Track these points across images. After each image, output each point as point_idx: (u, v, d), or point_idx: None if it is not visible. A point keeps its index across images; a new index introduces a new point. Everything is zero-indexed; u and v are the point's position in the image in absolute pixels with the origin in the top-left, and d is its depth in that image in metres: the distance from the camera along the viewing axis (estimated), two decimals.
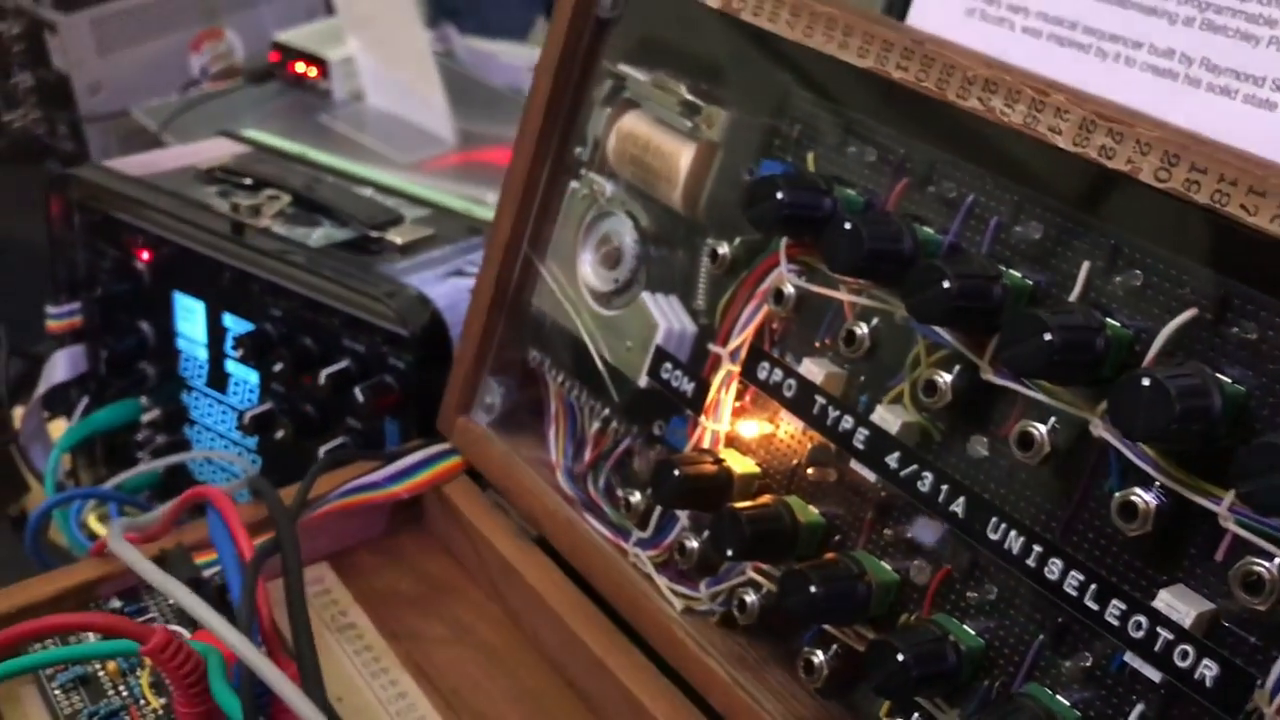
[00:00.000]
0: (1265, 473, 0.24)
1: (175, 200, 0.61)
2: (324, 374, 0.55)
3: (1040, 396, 0.29)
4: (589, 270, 0.43)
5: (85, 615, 0.37)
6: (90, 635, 0.38)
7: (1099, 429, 0.28)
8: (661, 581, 0.40)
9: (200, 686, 0.31)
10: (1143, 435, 0.26)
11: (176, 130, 0.91)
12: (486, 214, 0.60)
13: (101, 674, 0.39)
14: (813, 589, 0.32)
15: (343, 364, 0.56)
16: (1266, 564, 0.26)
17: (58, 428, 0.71)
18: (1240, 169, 0.26)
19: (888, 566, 0.34)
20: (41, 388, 0.69)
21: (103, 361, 0.67)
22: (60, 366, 0.67)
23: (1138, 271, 0.29)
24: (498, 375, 0.47)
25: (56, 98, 1.01)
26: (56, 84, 1.00)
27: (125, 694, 0.38)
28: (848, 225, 0.31)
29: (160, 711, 0.38)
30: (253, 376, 0.61)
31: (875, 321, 0.34)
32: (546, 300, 0.45)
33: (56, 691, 0.38)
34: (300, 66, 0.99)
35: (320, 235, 0.58)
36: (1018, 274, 0.31)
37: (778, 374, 0.36)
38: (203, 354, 0.63)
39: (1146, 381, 0.26)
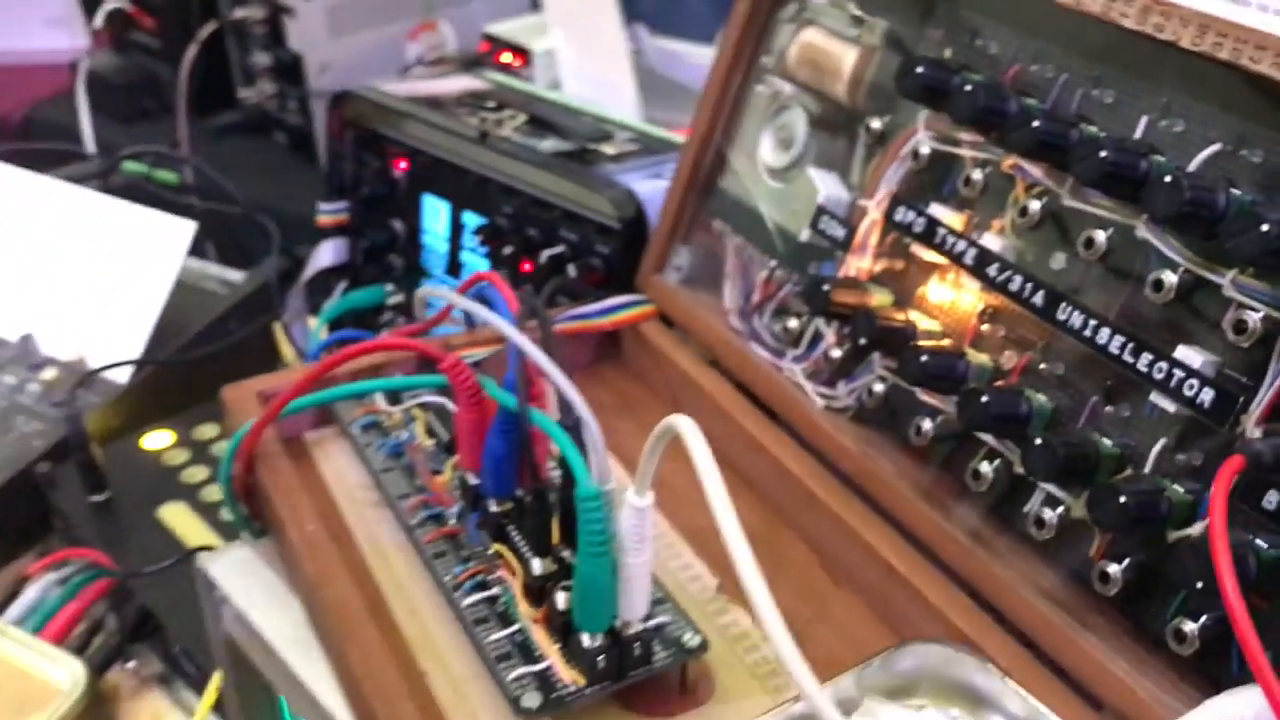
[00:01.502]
0: (1243, 232, 0.34)
1: (431, 117, 0.75)
2: (545, 254, 0.68)
3: (1101, 212, 0.40)
4: (766, 151, 0.55)
5: (392, 339, 0.50)
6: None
7: (1142, 230, 0.39)
8: (808, 386, 0.51)
9: (478, 398, 0.44)
10: (1162, 215, 0.36)
11: None
12: (679, 137, 0.72)
13: (386, 422, 0.52)
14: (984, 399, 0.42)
15: (559, 249, 0.69)
16: (1252, 315, 0.36)
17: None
18: None
19: (984, 356, 0.44)
20: (308, 272, 0.84)
21: (359, 252, 0.82)
22: (326, 253, 0.83)
23: (1182, 120, 0.39)
24: (686, 244, 0.60)
25: (289, 76, 1.11)
26: (290, 63, 1.10)
27: (405, 435, 0.52)
28: (968, 87, 0.43)
29: (430, 447, 0.51)
30: (484, 264, 0.75)
31: (988, 170, 0.45)
32: (730, 180, 0.57)
33: (355, 429, 0.52)
34: (506, 56, 1.09)
35: (548, 146, 0.72)
36: (1094, 128, 0.41)
37: (911, 215, 0.47)
38: (443, 247, 0.78)
39: (1169, 178, 0.36)
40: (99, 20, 1.23)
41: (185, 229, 0.81)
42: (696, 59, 1.28)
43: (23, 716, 0.61)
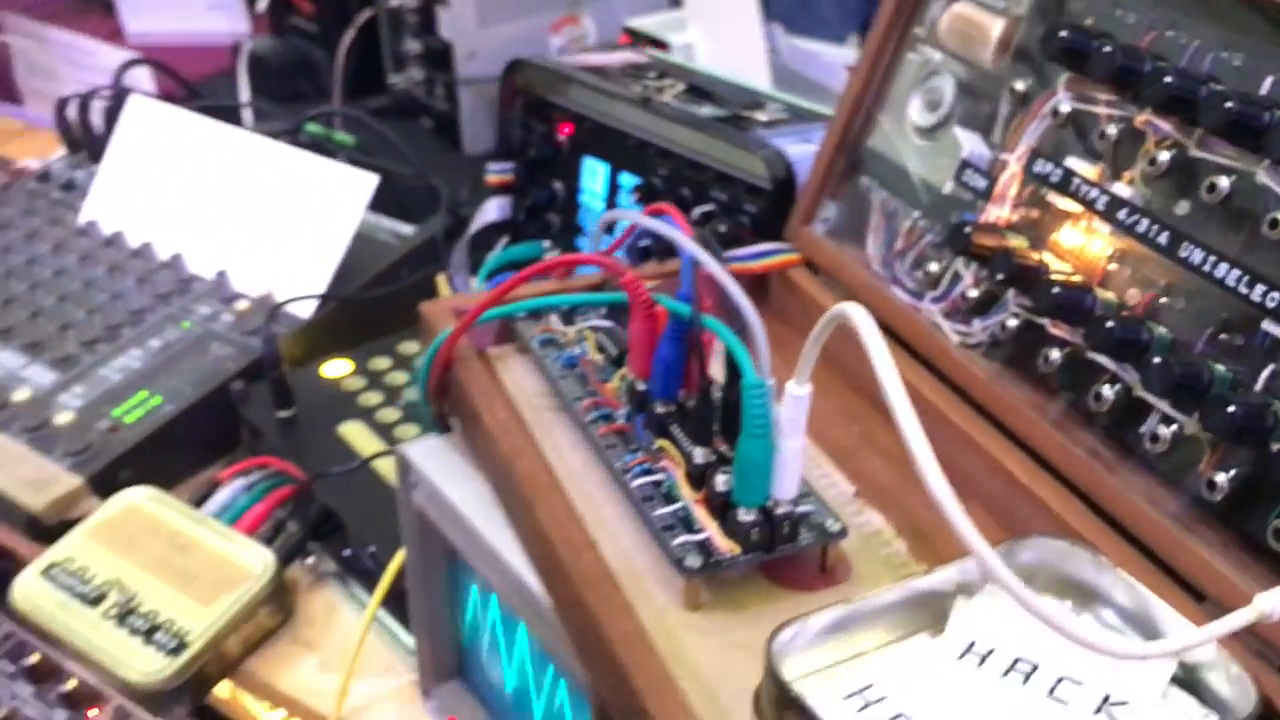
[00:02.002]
0: None
1: (597, 85, 0.82)
2: (696, 211, 0.75)
3: (1225, 160, 0.45)
4: (915, 112, 0.60)
5: (579, 255, 0.56)
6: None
7: (1262, 176, 0.43)
8: (945, 324, 0.56)
9: (651, 310, 0.50)
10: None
11: None
12: (824, 109, 0.78)
13: (561, 340, 0.59)
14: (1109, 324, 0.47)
15: (709, 207, 0.75)
16: None
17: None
18: None
19: (1111, 293, 0.49)
20: (474, 226, 0.92)
21: (521, 210, 0.89)
22: (491, 210, 0.90)
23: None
24: (834, 199, 0.65)
25: (438, 63, 1.16)
26: (440, 51, 1.15)
27: (578, 351, 0.58)
28: (1107, 49, 0.47)
29: (600, 361, 0.57)
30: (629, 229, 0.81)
31: (1121, 125, 0.49)
32: (879, 139, 0.63)
33: (534, 344, 0.59)
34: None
35: (705, 112, 0.78)
36: (1221, 87, 0.46)
37: (1049, 167, 0.52)
38: (599, 205, 0.84)
39: None
40: (261, 5, 1.32)
41: (368, 181, 0.89)
42: (829, 57, 1.33)
43: (219, 594, 0.70)
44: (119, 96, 1.03)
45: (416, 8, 1.15)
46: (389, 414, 0.80)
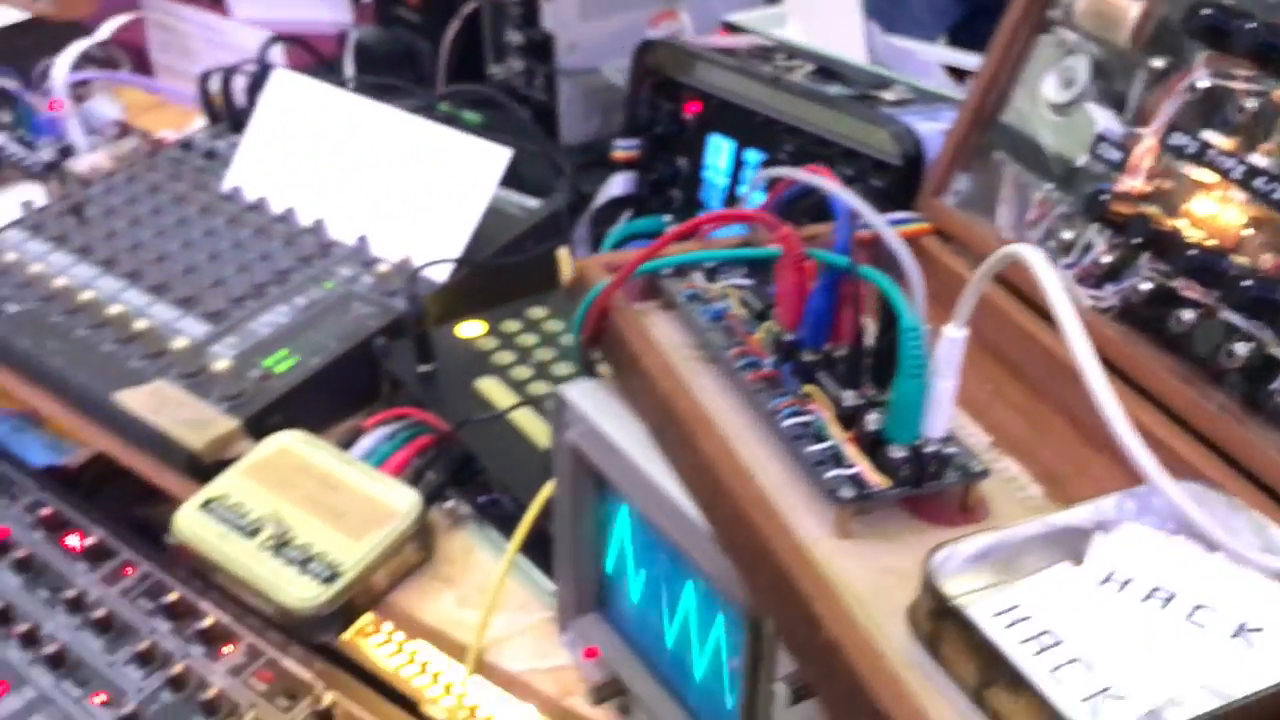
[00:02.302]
0: None
1: (727, 64, 0.86)
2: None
3: None
4: (1049, 89, 0.63)
5: (739, 211, 0.60)
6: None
7: None
8: (1077, 290, 0.59)
9: (804, 263, 0.54)
10: None
11: None
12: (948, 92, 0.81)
13: (706, 295, 0.63)
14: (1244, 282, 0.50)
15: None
16: None
17: None
18: None
19: (1245, 258, 0.52)
20: (599, 200, 0.96)
21: (646, 185, 0.93)
22: (617, 184, 0.95)
23: None
24: (966, 171, 0.68)
25: (539, 54, 1.19)
26: (542, 42, 1.18)
27: (723, 306, 0.62)
28: (1250, 25, 0.50)
29: (745, 316, 0.61)
30: (761, 198, 0.85)
31: (1259, 100, 0.52)
32: (1012, 115, 0.66)
33: (680, 298, 0.63)
34: None
35: (833, 91, 0.81)
36: None
37: (1185, 139, 0.55)
38: (723, 182, 0.88)
39: None
40: None
41: (501, 155, 0.94)
42: (923, 56, 1.35)
43: (368, 530, 0.75)
44: (262, 71, 1.09)
45: (520, 0, 1.19)
46: (522, 371, 0.84)
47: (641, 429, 0.58)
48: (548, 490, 0.70)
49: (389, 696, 0.85)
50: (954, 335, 0.47)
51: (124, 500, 1.13)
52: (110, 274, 0.96)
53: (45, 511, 1.05)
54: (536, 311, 0.91)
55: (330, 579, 0.72)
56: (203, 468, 0.80)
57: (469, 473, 0.80)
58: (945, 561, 0.44)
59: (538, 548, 0.72)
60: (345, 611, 0.73)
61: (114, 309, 0.91)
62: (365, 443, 0.82)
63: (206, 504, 0.77)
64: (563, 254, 1.00)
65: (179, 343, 0.87)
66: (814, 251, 0.54)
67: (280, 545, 0.74)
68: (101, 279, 0.95)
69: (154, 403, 0.83)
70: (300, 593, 0.72)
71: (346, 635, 0.98)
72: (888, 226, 0.50)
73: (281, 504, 0.76)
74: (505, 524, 0.77)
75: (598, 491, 0.63)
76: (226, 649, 0.92)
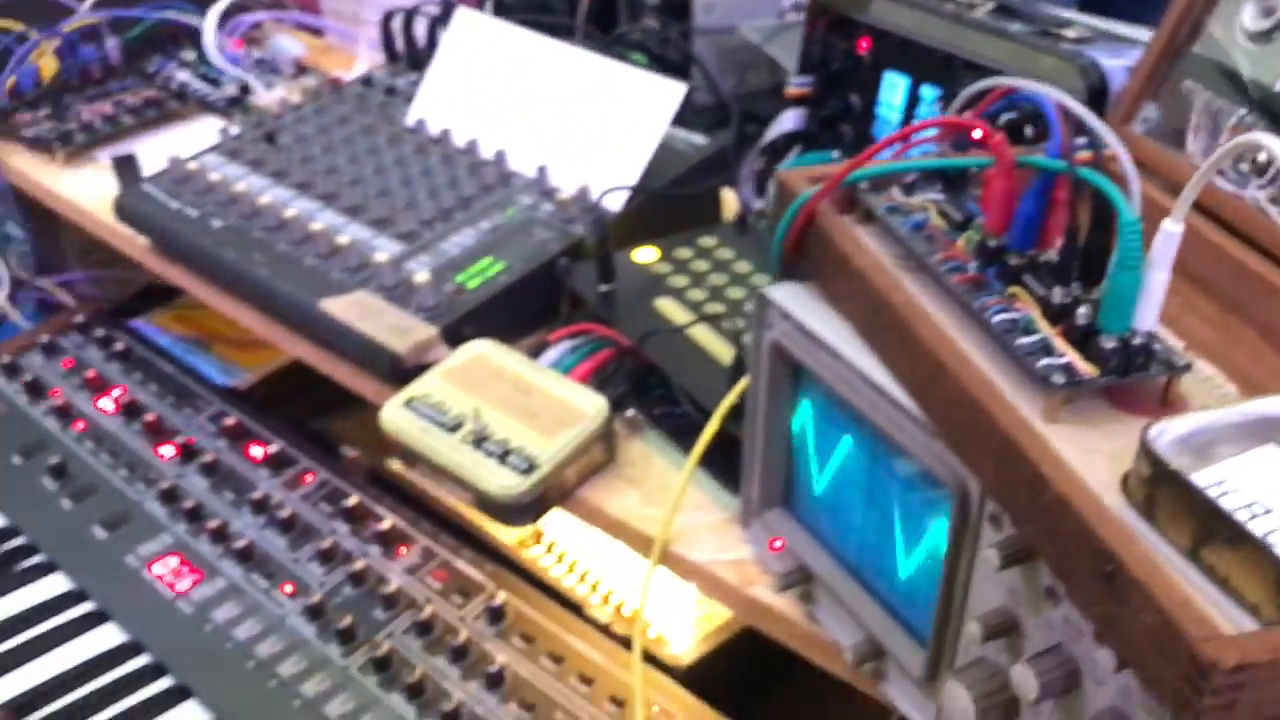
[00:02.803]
0: None
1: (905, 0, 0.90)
2: (1003, 119, 0.81)
3: None
4: (1247, 18, 0.66)
5: (952, 118, 0.64)
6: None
7: None
8: (1272, 210, 0.62)
9: (1014, 169, 0.57)
10: None
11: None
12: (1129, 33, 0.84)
13: (907, 207, 0.66)
14: None
15: (1013, 115, 0.81)
16: None
17: None
18: None
19: None
20: (770, 135, 1.00)
21: (816, 121, 0.97)
22: (788, 120, 0.98)
23: None
24: (1154, 100, 0.71)
25: (675, 13, 1.22)
26: (678, 3, 1.21)
27: (923, 217, 0.65)
28: None
29: (945, 227, 0.64)
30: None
31: None
32: (1205, 45, 0.68)
33: (881, 210, 0.66)
34: None
35: (1013, 29, 0.84)
36: None
37: None
38: (896, 117, 0.91)
39: None
40: None
41: (676, 89, 0.98)
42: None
43: (559, 429, 0.80)
44: (446, 9, 1.15)
45: None
46: (696, 294, 0.89)
47: (844, 327, 0.62)
48: (730, 399, 0.74)
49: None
50: (1172, 229, 0.50)
51: (294, 418, 1.21)
52: (306, 196, 1.02)
53: (228, 422, 1.13)
54: (707, 240, 0.95)
55: (528, 470, 0.77)
56: (403, 371, 0.86)
57: (647, 386, 0.85)
58: (1160, 434, 0.47)
59: (714, 457, 0.76)
60: (540, 501, 0.78)
61: (315, 225, 0.97)
62: (550, 355, 0.88)
63: (409, 402, 0.83)
64: (727, 194, 1.04)
65: (379, 257, 0.93)
66: (1025, 158, 0.57)
67: (479, 440, 0.80)
68: (298, 200, 1.02)
69: (357, 310, 0.89)
70: (501, 481, 0.77)
71: (514, 542, 1.05)
72: (1098, 121, 0.53)
73: (479, 403, 0.82)
74: (681, 435, 0.82)
75: (792, 389, 0.67)
76: (403, 550, 0.99)
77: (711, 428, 0.75)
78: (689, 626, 0.99)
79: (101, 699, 0.91)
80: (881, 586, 0.64)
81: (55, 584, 1.00)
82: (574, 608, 0.94)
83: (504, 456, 0.78)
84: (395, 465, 1.11)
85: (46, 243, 1.36)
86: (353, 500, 1.02)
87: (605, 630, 0.91)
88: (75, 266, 1.39)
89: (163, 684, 0.91)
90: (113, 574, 0.99)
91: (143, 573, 0.98)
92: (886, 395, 0.57)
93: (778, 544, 0.71)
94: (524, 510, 0.78)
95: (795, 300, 0.64)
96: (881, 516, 0.62)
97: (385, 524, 1.00)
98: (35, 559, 1.02)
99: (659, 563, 0.76)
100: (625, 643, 0.87)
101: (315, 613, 0.92)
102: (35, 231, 1.34)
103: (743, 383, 0.72)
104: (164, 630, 0.94)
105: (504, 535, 1.05)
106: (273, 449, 1.08)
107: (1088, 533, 0.43)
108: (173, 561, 0.99)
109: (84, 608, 0.98)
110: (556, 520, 1.08)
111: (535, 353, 0.88)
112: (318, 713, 0.85)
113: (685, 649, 0.97)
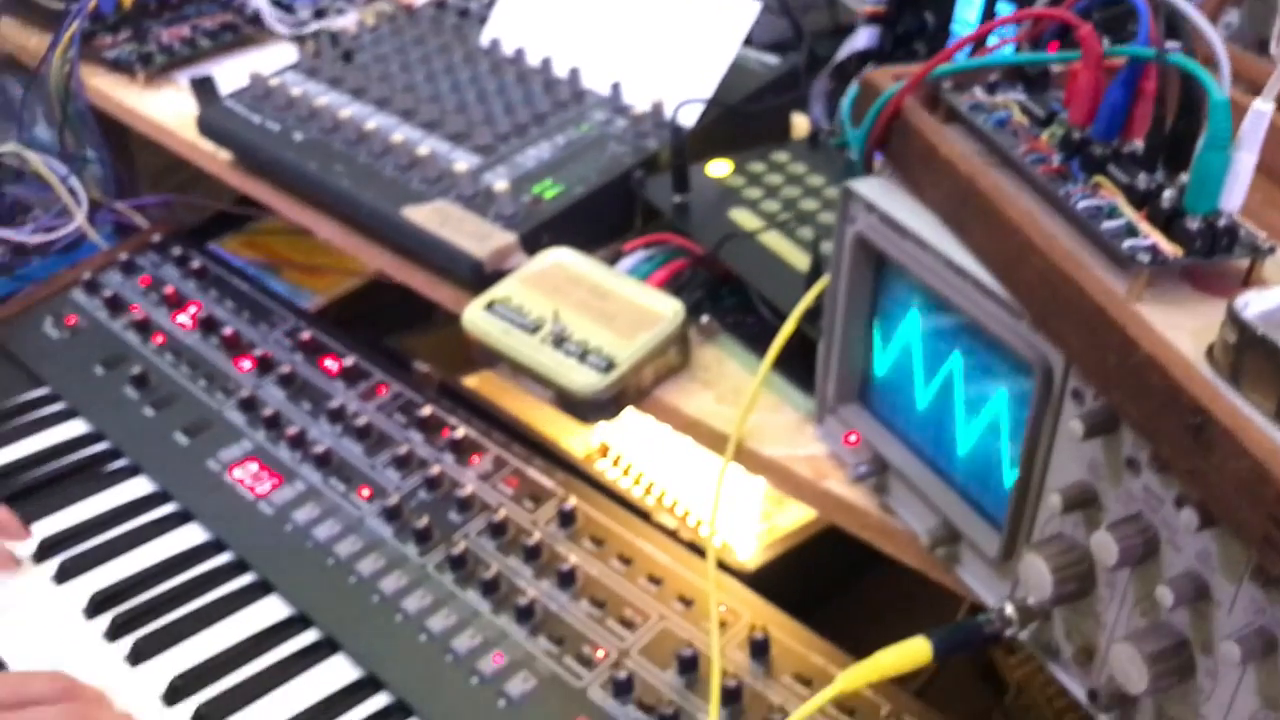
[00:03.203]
0: None
1: None
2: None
3: None
4: None
5: (1037, 9, 0.65)
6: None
7: None
8: None
9: (1102, 60, 0.58)
10: None
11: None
12: None
13: (990, 105, 0.67)
14: None
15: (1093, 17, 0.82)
16: None
17: None
18: None
19: None
20: (843, 53, 1.01)
21: (890, 39, 0.98)
22: (861, 38, 0.99)
23: None
24: (1235, 8, 0.71)
25: None
26: None
27: (1005, 114, 0.66)
28: None
29: (1027, 123, 0.65)
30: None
31: None
32: None
33: (964, 108, 0.68)
34: None
35: None
36: None
37: None
38: None
39: None
40: None
41: (750, 6, 0.99)
42: None
43: (637, 331, 0.82)
44: None
45: None
46: (770, 205, 0.90)
47: (929, 217, 0.63)
48: (808, 299, 0.76)
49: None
50: (1262, 108, 0.51)
51: (366, 336, 1.23)
52: (384, 111, 1.05)
53: (304, 336, 1.16)
54: (780, 155, 0.96)
55: (607, 369, 0.80)
56: (483, 276, 0.88)
57: (720, 296, 0.87)
58: (1247, 305, 0.49)
59: (788, 360, 0.78)
60: (618, 399, 0.81)
61: (395, 137, 1.00)
62: (626, 263, 0.90)
63: (490, 305, 0.85)
64: (797, 115, 1.06)
65: (458, 168, 0.95)
66: (1112, 49, 0.58)
67: (559, 340, 0.82)
68: (377, 115, 1.04)
69: (438, 218, 0.91)
70: (582, 379, 0.79)
71: (582, 455, 1.07)
72: (1196, 11, 0.54)
73: (558, 306, 0.84)
74: (754, 342, 0.84)
75: (875, 283, 0.69)
76: (476, 458, 1.01)
77: (788, 328, 0.77)
78: (752, 537, 1.01)
79: (186, 591, 0.94)
80: (956, 475, 0.66)
81: (140, 486, 1.03)
82: (642, 515, 0.96)
83: (583, 356, 0.80)
84: (468, 380, 1.13)
85: (122, 167, 1.39)
86: (426, 411, 1.05)
87: (673, 535, 0.93)
88: (148, 192, 1.43)
89: (245, 579, 0.94)
90: (195, 477, 1.02)
91: (224, 476, 1.01)
92: (971, 279, 0.59)
93: (852, 438, 0.72)
94: (602, 407, 0.80)
95: (880, 192, 0.66)
96: (955, 405, 0.64)
97: (458, 433, 1.02)
98: (120, 462, 1.06)
99: (733, 459, 0.78)
100: (692, 548, 0.89)
101: (392, 514, 0.94)
102: (112, 155, 1.37)
103: (821, 283, 0.74)
104: (245, 530, 0.96)
105: (573, 447, 1.08)
106: (348, 362, 1.11)
107: (1176, 389, 0.45)
108: (253, 466, 1.02)
109: (167, 508, 1.01)
110: (623, 434, 1.11)
111: (611, 262, 0.90)
112: (397, 607, 0.88)
113: (748, 557, 0.99)
